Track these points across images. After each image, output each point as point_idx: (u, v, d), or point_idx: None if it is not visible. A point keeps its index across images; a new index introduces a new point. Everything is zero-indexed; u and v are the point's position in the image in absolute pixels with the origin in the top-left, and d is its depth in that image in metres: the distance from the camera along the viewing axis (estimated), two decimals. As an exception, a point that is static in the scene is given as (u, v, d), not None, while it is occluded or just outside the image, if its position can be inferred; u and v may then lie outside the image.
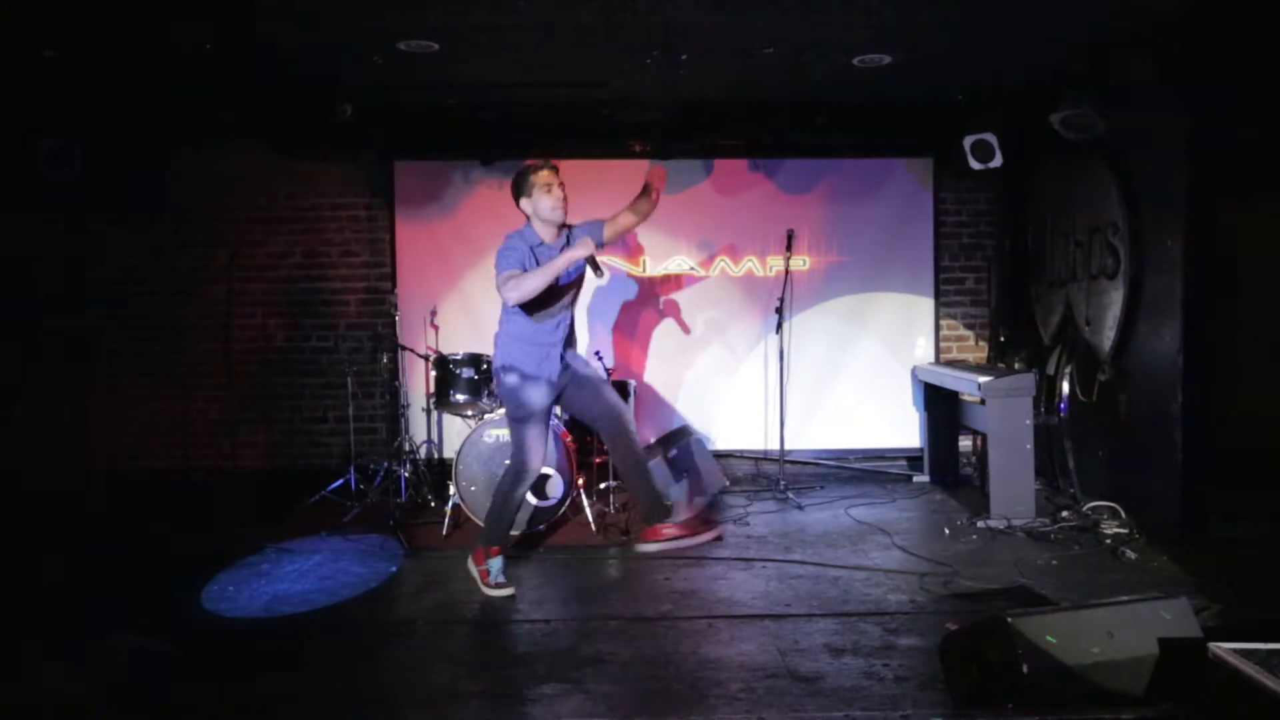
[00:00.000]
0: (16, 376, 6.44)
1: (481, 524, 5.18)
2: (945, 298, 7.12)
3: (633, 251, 6.99)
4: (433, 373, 5.71)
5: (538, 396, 4.30)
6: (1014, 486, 5.38)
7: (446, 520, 5.28)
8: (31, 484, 6.22)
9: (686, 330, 6.96)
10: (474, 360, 5.54)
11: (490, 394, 5.52)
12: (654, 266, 7.00)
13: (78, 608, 4.22)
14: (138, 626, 3.77)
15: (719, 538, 4.71)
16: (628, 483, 4.61)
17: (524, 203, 4.30)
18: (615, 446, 4.50)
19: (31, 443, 6.40)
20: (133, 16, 4.42)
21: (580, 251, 4.09)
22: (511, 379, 4.28)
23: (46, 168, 5.90)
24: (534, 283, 4.05)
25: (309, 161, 6.79)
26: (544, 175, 4.25)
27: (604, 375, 4.58)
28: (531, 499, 5.18)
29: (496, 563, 4.36)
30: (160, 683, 3.34)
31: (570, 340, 4.50)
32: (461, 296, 6.91)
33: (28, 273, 6.67)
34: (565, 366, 4.41)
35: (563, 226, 4.37)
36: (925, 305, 7.06)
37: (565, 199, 4.28)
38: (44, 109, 5.90)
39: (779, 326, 6.27)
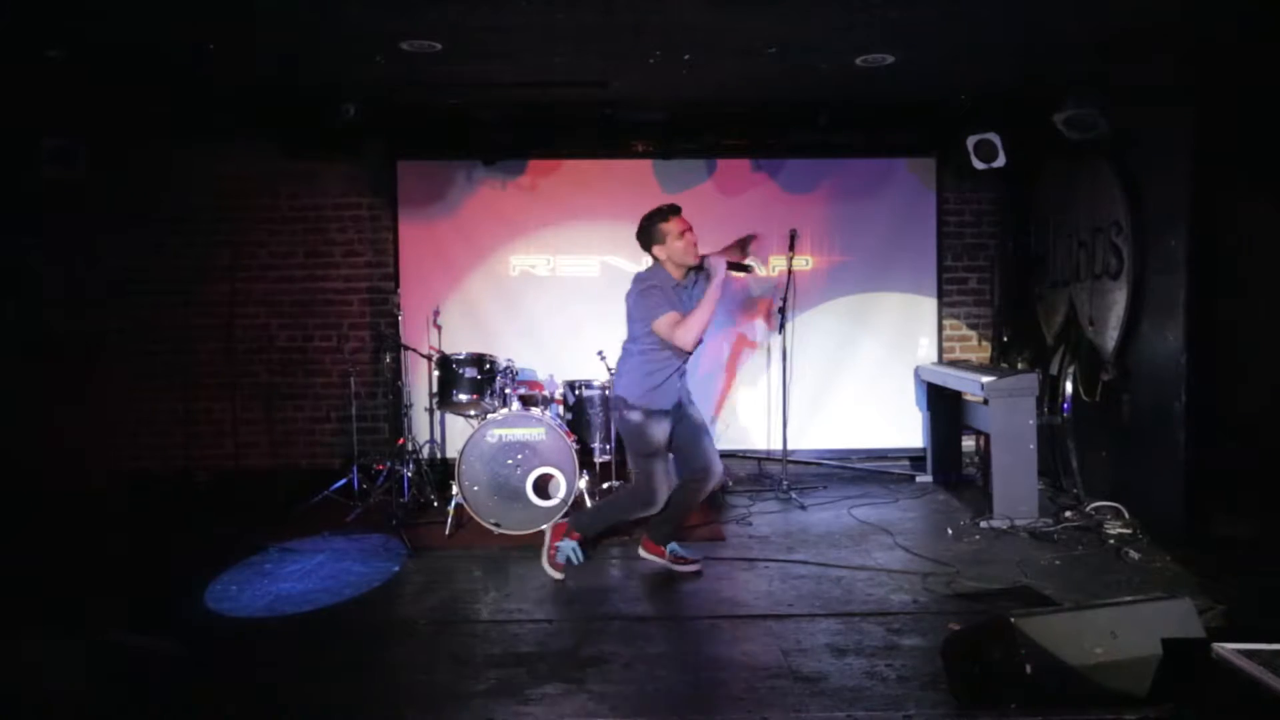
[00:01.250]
0: (19, 376, 6.45)
1: (483, 522, 5.19)
2: (948, 298, 7.11)
3: (636, 251, 6.97)
4: (435, 372, 5.71)
5: (660, 433, 4.41)
6: (1017, 486, 5.37)
7: (449, 520, 5.28)
8: (34, 483, 6.24)
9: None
10: (477, 360, 5.54)
11: (493, 394, 5.53)
12: (656, 266, 6.98)
13: (79, 607, 4.22)
14: (140, 625, 3.77)
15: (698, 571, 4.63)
16: (670, 504, 4.59)
17: (657, 249, 4.41)
18: (683, 486, 4.55)
19: (34, 442, 6.42)
20: (135, 16, 4.43)
21: (720, 274, 4.29)
22: (635, 416, 4.38)
23: (49, 167, 5.91)
24: (705, 319, 4.26)
25: (312, 161, 6.79)
26: (676, 223, 4.36)
27: (704, 420, 4.70)
28: (535, 499, 5.19)
29: (567, 545, 4.60)
30: (162, 682, 3.34)
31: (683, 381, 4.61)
32: (464, 296, 6.92)
33: (30, 273, 6.67)
34: (678, 401, 4.51)
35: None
36: (928, 305, 7.05)
37: (695, 240, 4.39)
38: (47, 108, 5.90)
39: (781, 326, 6.26)
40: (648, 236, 4.44)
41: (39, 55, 4.91)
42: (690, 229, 4.40)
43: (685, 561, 4.65)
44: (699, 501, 4.65)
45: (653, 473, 4.44)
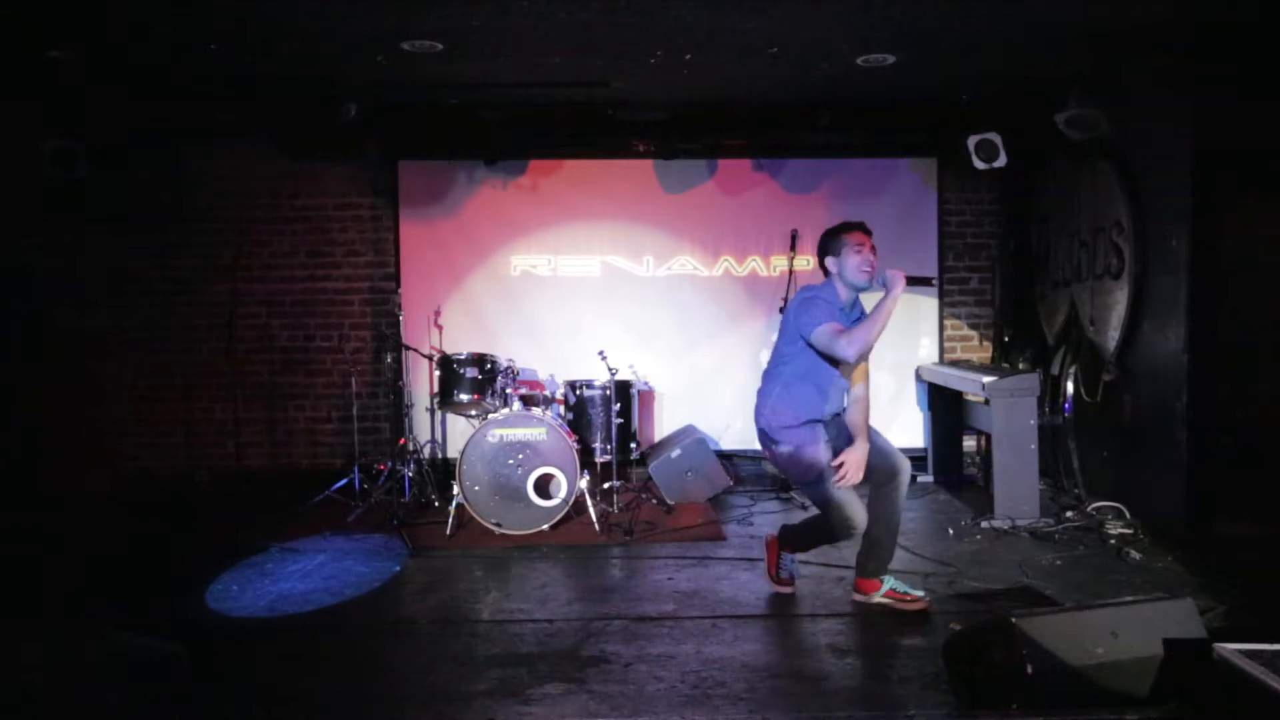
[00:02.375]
0: (21, 377, 6.46)
1: (484, 522, 5.18)
2: (949, 298, 7.11)
3: (637, 251, 6.99)
4: (436, 372, 5.71)
5: (818, 454, 3.93)
6: (1018, 487, 5.37)
7: (450, 520, 5.28)
8: (37, 483, 6.24)
9: (691, 331, 6.97)
10: (478, 360, 5.54)
11: (494, 393, 5.53)
12: (658, 267, 6.99)
13: (81, 607, 4.22)
14: (141, 625, 3.76)
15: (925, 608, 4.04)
16: (871, 532, 4.07)
17: (829, 261, 4.02)
18: (876, 499, 4.09)
19: (37, 443, 6.42)
20: (136, 17, 4.43)
21: (899, 287, 3.82)
22: (785, 449, 3.96)
23: (51, 169, 5.91)
24: (875, 330, 3.78)
25: (313, 161, 6.80)
26: (856, 235, 3.97)
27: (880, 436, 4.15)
28: (536, 499, 5.19)
29: (788, 559, 4.29)
30: (162, 682, 3.34)
31: (840, 415, 4.12)
32: (465, 296, 6.92)
33: (32, 274, 6.68)
34: (831, 434, 4.05)
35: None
36: (929, 305, 7.05)
37: (874, 264, 3.96)
38: (49, 110, 5.91)
39: (783, 326, 6.25)
40: (824, 245, 4.04)
41: (41, 56, 4.92)
42: (870, 248, 3.97)
43: (906, 599, 4.05)
44: (900, 507, 4.08)
45: (830, 498, 3.89)
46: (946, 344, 7.12)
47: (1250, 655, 2.58)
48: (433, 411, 6.26)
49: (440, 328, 6.33)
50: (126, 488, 6.59)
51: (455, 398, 5.53)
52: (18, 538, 5.43)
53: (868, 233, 4.00)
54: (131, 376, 6.85)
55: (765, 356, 6.78)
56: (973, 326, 7.16)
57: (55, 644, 3.46)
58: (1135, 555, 4.69)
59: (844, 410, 4.12)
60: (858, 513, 3.88)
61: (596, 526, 5.30)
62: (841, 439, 4.03)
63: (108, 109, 6.03)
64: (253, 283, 6.91)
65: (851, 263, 3.94)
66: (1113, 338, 5.48)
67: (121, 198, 6.70)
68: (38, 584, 4.59)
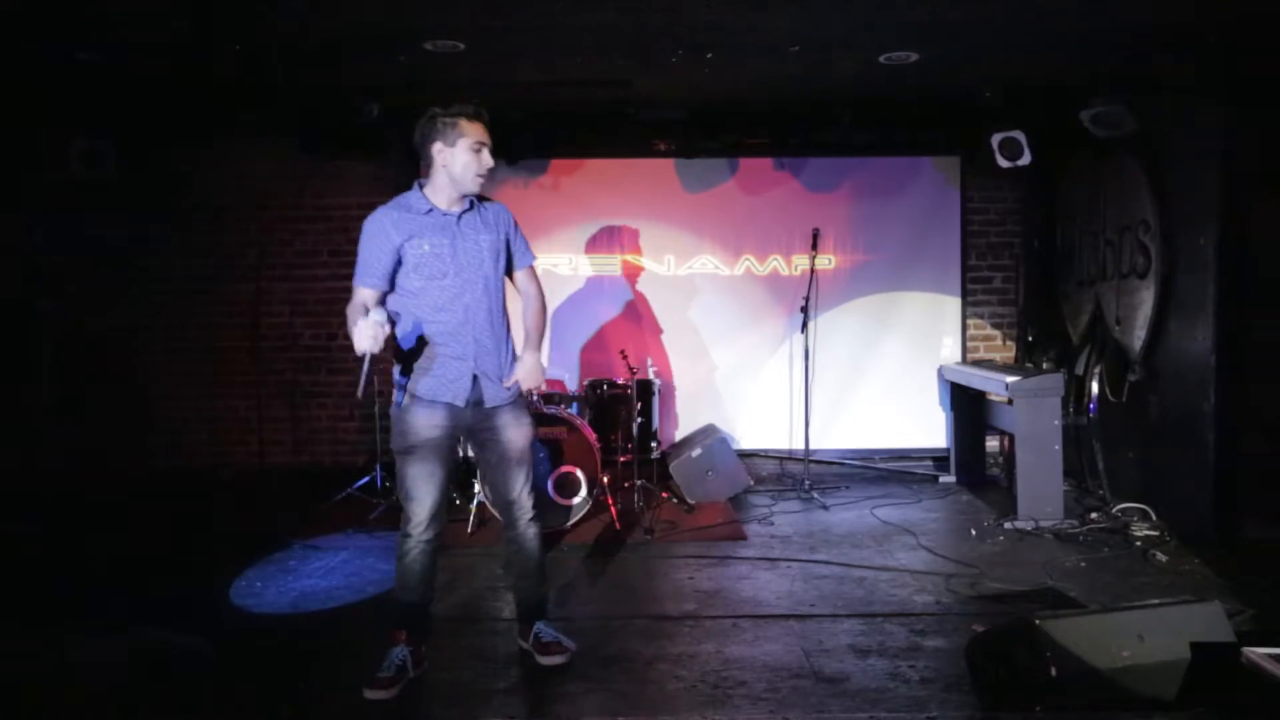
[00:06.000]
0: (51, 375, 6.53)
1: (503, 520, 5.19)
2: (972, 297, 7.07)
3: (658, 250, 6.99)
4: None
5: (424, 423, 3.22)
6: (1042, 487, 5.33)
7: (471, 518, 5.30)
8: (61, 479, 6.31)
9: (712, 330, 6.96)
10: (499, 359, 5.55)
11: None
12: (679, 266, 6.99)
13: (106, 603, 4.27)
14: (165, 622, 3.80)
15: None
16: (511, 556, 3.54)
17: (436, 149, 3.22)
18: (506, 531, 3.50)
19: (65, 440, 6.49)
20: (159, 18, 4.47)
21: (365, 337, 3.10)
22: (398, 395, 3.24)
23: (79, 168, 5.99)
24: (352, 330, 3.16)
25: (336, 161, 6.84)
26: (478, 129, 3.23)
27: (526, 442, 3.43)
28: (557, 498, 5.20)
29: (396, 652, 3.30)
30: (186, 678, 3.37)
31: (498, 351, 3.35)
32: (486, 295, 6.93)
33: (58, 271, 6.76)
34: (478, 396, 3.29)
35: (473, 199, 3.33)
36: (952, 304, 7.00)
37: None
38: (77, 110, 5.98)
39: (804, 325, 6.23)
40: (431, 130, 3.25)
41: (72, 57, 4.98)
42: (490, 151, 3.24)
43: (552, 650, 3.43)
44: (536, 550, 3.47)
45: (404, 480, 3.25)
46: (969, 343, 7.07)
47: (1279, 659, 2.55)
48: (454, 410, 6.28)
49: (462, 326, 6.34)
50: (150, 484, 6.65)
51: (476, 396, 5.54)
52: (44, 534, 5.50)
53: (486, 120, 3.30)
54: (156, 374, 6.93)
55: (787, 355, 6.84)
56: (996, 326, 7.11)
57: (80, 640, 3.51)
58: (1161, 557, 4.65)
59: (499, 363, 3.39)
60: (420, 508, 3.28)
61: (617, 525, 5.31)
62: (485, 401, 3.35)
63: (134, 109, 6.09)
64: (276, 281, 6.96)
65: (469, 163, 3.22)
66: (1139, 337, 5.42)
67: (147, 196, 6.77)
68: (63, 580, 4.64)
